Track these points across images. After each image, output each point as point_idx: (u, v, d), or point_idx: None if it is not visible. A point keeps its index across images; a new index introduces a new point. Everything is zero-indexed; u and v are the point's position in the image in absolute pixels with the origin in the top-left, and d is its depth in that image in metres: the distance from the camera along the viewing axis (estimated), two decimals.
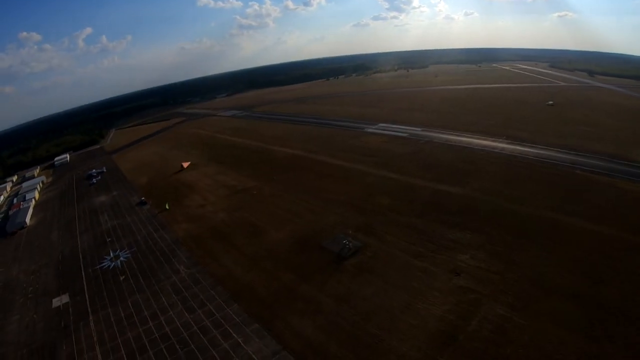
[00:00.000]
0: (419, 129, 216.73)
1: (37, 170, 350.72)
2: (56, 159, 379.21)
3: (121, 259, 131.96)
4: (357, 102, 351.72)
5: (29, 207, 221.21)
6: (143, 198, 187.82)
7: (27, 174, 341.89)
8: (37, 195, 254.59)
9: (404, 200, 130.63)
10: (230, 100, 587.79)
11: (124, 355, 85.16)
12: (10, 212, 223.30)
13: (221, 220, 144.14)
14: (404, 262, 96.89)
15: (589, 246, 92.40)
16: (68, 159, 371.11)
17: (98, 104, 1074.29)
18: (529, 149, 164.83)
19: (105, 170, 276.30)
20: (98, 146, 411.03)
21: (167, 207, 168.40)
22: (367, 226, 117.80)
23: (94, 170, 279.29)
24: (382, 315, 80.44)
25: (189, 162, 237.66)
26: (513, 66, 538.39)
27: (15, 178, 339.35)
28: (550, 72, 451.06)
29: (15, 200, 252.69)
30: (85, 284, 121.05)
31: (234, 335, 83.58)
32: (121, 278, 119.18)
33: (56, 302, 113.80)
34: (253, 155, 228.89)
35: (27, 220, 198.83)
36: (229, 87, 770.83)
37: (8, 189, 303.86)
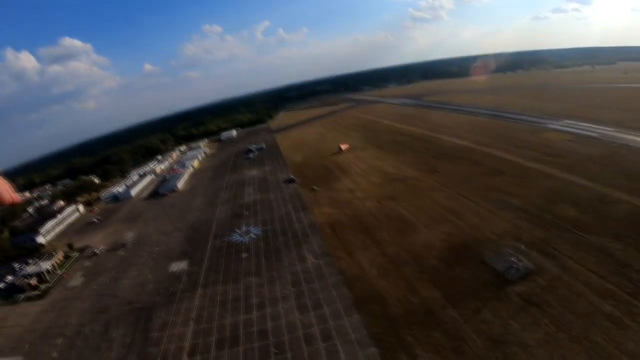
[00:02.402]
0: (611, 129, 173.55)
1: (204, 142, 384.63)
2: (223, 133, 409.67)
3: (252, 235, 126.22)
4: (537, 95, 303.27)
5: (184, 173, 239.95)
6: (292, 176, 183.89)
7: (194, 145, 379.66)
8: (196, 164, 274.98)
9: (596, 215, 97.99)
10: (400, 90, 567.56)
11: (212, 343, 77.79)
12: (167, 177, 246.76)
13: (368, 210, 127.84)
14: (588, 302, 67.89)
15: None
16: (234, 134, 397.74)
17: (273, 90, 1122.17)
18: None
19: (264, 147, 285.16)
20: (265, 125, 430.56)
21: (315, 188, 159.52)
22: (545, 243, 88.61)
23: (253, 146, 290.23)
24: None
25: (348, 145, 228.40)
26: None
27: (183, 147, 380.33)
28: None
29: (175, 166, 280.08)
30: (207, 254, 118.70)
31: (342, 356, 66.22)
32: (243, 255, 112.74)
33: (174, 266, 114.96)
34: (417, 143, 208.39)
35: (179, 185, 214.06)
36: (401, 78, 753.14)
37: (174, 156, 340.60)
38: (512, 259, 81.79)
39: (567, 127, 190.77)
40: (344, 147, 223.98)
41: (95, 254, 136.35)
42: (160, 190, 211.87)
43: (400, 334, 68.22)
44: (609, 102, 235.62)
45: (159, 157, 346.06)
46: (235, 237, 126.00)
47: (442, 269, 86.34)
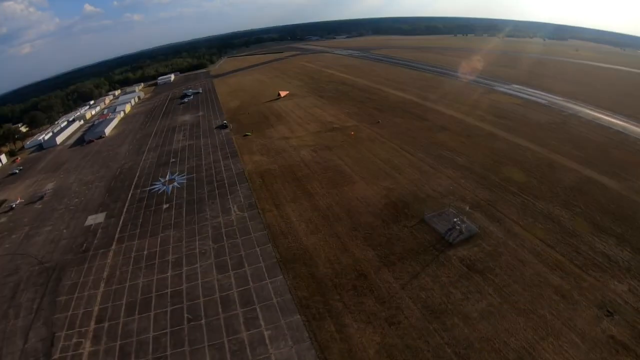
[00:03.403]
0: (560, 99, 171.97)
1: (140, 87, 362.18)
2: (159, 78, 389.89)
3: (175, 184, 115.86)
4: (486, 59, 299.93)
5: (114, 119, 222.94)
6: (225, 121, 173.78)
7: (129, 89, 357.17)
8: (128, 108, 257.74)
9: (543, 181, 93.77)
10: (349, 42, 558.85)
11: (122, 306, 67.31)
12: (95, 122, 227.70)
13: (302, 159, 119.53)
14: (535, 272, 62.35)
15: None
16: (172, 78, 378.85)
17: (219, 37, 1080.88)
18: None
19: (201, 92, 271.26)
20: (205, 70, 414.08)
21: (248, 134, 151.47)
22: (490, 205, 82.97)
23: (189, 90, 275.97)
24: (490, 357, 48.98)
25: (287, 92, 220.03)
26: None
27: (117, 92, 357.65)
28: None
29: (106, 111, 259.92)
30: (126, 206, 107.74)
31: (262, 324, 57.99)
32: (164, 207, 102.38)
33: (90, 220, 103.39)
34: (360, 94, 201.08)
35: (107, 131, 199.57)
36: (350, 31, 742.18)
37: (107, 101, 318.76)
38: (455, 219, 75.03)
39: (516, 91, 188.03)
40: (283, 93, 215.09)
41: (12, 208, 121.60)
42: (86, 137, 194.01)
43: (328, 300, 60.32)
44: (560, 74, 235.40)
45: (91, 102, 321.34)
46: (158, 187, 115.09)
47: (379, 226, 78.96)
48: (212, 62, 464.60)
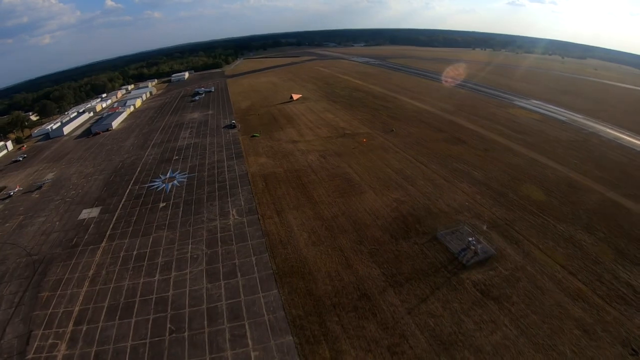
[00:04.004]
0: (580, 116, 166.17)
1: (153, 83, 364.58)
2: (173, 75, 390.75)
3: (175, 182, 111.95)
4: (505, 73, 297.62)
5: (123, 112, 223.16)
6: (233, 121, 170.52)
7: (142, 85, 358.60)
8: (138, 103, 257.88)
9: (564, 201, 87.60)
10: (366, 50, 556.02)
11: (104, 309, 63.40)
12: (104, 115, 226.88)
13: (309, 164, 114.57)
14: (555, 302, 56.37)
15: None
16: (186, 76, 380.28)
17: (238, 39, 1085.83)
18: None
19: (213, 90, 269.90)
20: (220, 70, 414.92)
21: (255, 135, 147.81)
22: (508, 225, 76.94)
23: (202, 89, 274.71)
24: None
25: (300, 95, 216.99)
26: None
27: (131, 87, 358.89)
28: None
29: (116, 104, 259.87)
30: (122, 201, 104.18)
31: (249, 343, 52.60)
32: (161, 205, 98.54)
33: (84, 213, 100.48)
34: (374, 101, 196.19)
35: (115, 124, 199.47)
36: (368, 40, 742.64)
37: (119, 95, 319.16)
38: (470, 239, 69.15)
39: (534, 106, 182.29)
40: (295, 96, 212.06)
41: (9, 196, 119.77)
42: (92, 129, 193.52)
43: (325, 321, 54.81)
44: (579, 91, 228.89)
45: (104, 95, 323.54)
46: (157, 184, 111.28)
47: (386, 242, 73.28)
48: (228, 63, 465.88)
